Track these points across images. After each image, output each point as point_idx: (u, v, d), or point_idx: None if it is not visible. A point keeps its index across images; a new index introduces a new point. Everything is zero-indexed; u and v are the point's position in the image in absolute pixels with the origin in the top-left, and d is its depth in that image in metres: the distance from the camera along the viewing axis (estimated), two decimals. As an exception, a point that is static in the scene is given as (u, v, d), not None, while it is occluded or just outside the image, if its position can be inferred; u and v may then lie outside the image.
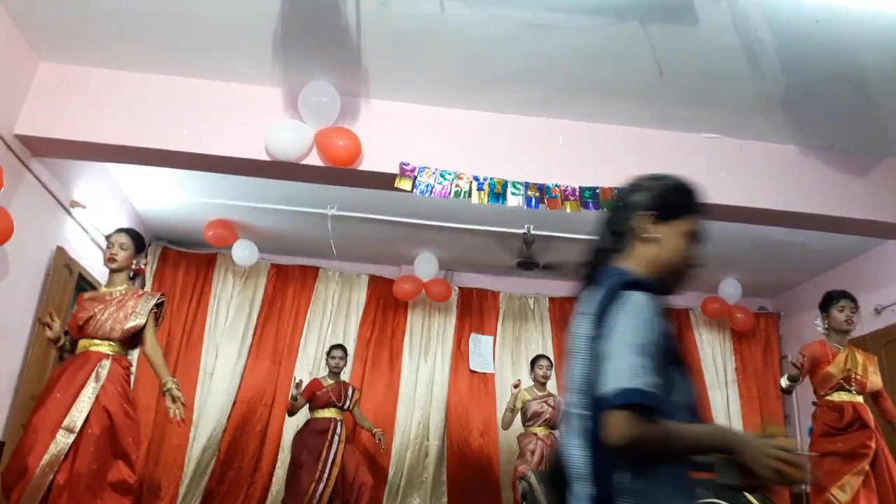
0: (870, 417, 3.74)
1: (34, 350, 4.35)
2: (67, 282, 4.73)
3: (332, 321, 6.52)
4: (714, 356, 6.93)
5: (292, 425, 6.00)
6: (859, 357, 3.92)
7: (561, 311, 6.90)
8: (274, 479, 5.84)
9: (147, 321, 3.59)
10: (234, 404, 6.07)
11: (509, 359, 6.67)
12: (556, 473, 1.47)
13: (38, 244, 4.39)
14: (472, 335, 6.65)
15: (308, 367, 6.23)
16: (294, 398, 5.18)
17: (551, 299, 6.94)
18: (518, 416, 5.40)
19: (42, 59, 3.91)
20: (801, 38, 3.32)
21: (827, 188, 4.34)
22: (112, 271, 3.71)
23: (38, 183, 4.22)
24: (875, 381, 3.88)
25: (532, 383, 5.54)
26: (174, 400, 3.54)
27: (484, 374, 6.52)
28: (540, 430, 5.29)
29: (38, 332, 4.37)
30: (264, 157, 3.85)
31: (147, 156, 3.94)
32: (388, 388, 6.34)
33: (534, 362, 5.64)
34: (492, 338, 6.69)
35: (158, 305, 3.68)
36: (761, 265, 6.35)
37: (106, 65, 3.90)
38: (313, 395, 5.31)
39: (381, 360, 6.45)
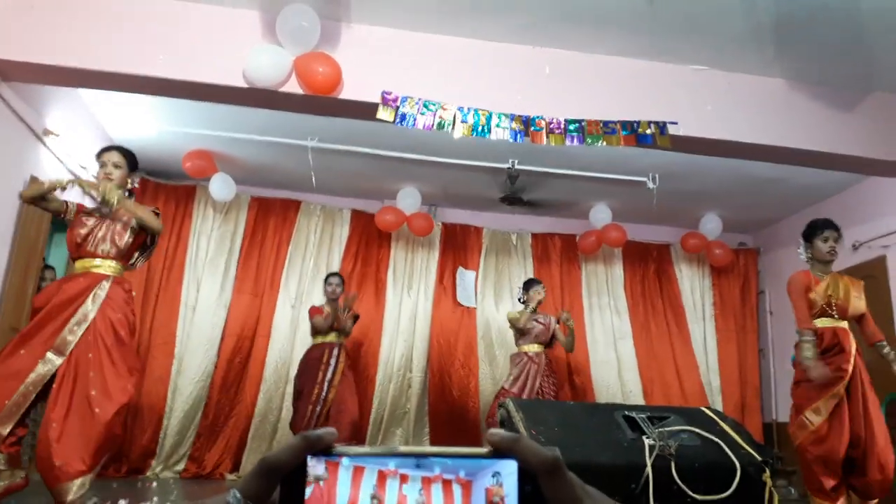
0: (849, 342, 3.76)
1: (11, 281, 4.30)
2: (43, 213, 4.64)
3: (315, 255, 6.50)
4: (693, 290, 7.04)
5: (274, 357, 6.07)
6: (842, 283, 3.92)
7: (543, 248, 6.93)
8: (256, 411, 5.93)
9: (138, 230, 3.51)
10: (222, 338, 6.10)
11: (492, 293, 6.72)
12: None
13: (10, 173, 4.29)
14: (459, 269, 6.66)
15: (290, 300, 6.24)
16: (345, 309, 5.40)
17: (534, 235, 6.95)
18: (513, 335, 5.58)
19: (7, -22, 3.73)
20: (795, -34, 3.24)
21: (813, 123, 4.32)
22: None
23: (9, 110, 4.09)
24: (858, 305, 3.87)
25: (522, 307, 5.63)
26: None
27: (467, 307, 6.59)
28: (530, 348, 5.41)
29: (15, 264, 4.32)
30: (241, 83, 3.74)
31: (120, 81, 3.81)
32: (373, 320, 6.39)
33: (529, 286, 5.66)
34: (474, 272, 6.72)
35: (155, 214, 3.58)
36: (742, 201, 6.38)
37: (74, -16, 3.73)
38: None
39: (365, 293, 6.48)
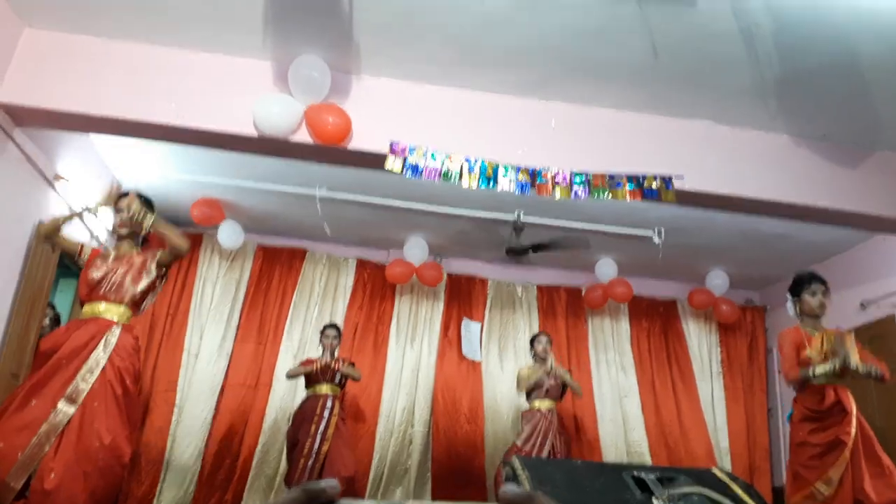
0: (850, 402, 3.68)
1: (13, 328, 4.26)
2: (50, 258, 4.65)
3: (319, 304, 6.47)
4: (700, 347, 6.95)
5: (274, 408, 5.97)
6: (836, 338, 3.83)
7: (549, 300, 6.89)
8: (254, 462, 5.80)
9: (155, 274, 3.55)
10: (223, 387, 6.02)
11: (496, 346, 6.64)
12: None
13: (19, 218, 4.30)
14: (464, 320, 6.59)
15: (293, 350, 6.18)
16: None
17: (539, 287, 6.92)
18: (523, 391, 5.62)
19: (27, 25, 3.82)
20: (799, 24, 3.30)
21: (817, 179, 4.34)
22: (121, 237, 3.61)
23: (22, 154, 4.13)
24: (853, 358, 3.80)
25: (533, 362, 5.70)
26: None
27: (472, 360, 6.50)
28: (543, 405, 5.39)
29: (19, 309, 4.30)
30: (252, 132, 3.78)
31: (132, 128, 3.86)
32: (373, 373, 6.30)
33: (533, 339, 5.79)
34: (480, 324, 6.66)
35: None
36: (749, 257, 6.36)
37: (92, 32, 3.82)
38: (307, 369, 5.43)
39: (366, 345, 6.41)
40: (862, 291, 5.74)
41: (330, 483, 0.44)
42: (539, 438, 5.22)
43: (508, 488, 0.43)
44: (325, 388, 5.28)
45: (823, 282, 3.94)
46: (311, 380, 5.35)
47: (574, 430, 6.35)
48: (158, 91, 3.78)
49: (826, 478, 3.55)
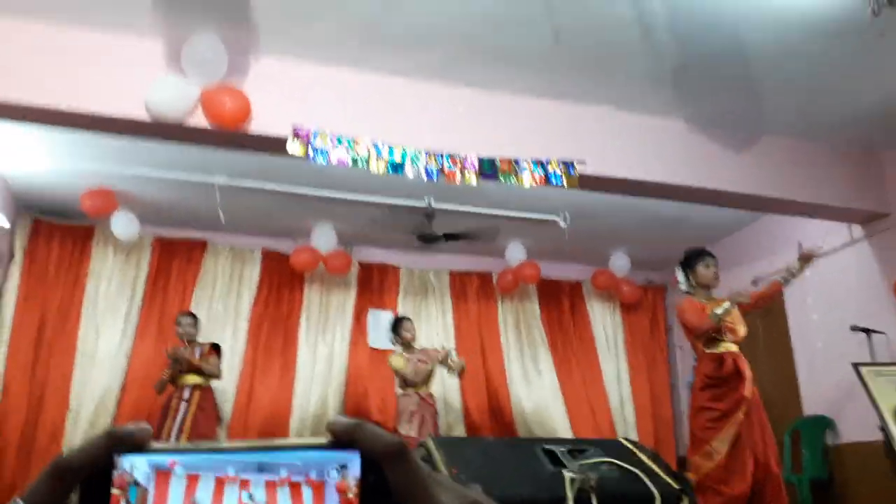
0: (746, 368, 3.89)
1: None
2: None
3: (223, 298, 6.24)
4: (605, 327, 7.18)
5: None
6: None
7: (461, 286, 6.93)
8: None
9: None
10: (123, 387, 5.73)
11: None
12: None
13: None
14: (371, 310, 6.55)
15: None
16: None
17: (452, 274, 6.95)
18: (397, 381, 5.49)
19: None
20: (691, 13, 3.42)
21: (711, 163, 4.55)
22: None
23: None
24: (742, 325, 4.03)
25: (399, 348, 5.57)
26: None
27: (383, 350, 6.45)
28: (422, 391, 5.36)
29: None
30: (144, 116, 3.57)
31: (10, 112, 3.56)
32: (285, 367, 6.18)
33: (399, 325, 5.62)
34: (391, 312, 6.62)
35: None
36: (649, 239, 6.60)
37: (-41, 8, 3.49)
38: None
39: (276, 338, 6.26)
40: (753, 268, 6.07)
41: (140, 426, 0.40)
42: (417, 421, 5.20)
43: (336, 419, 0.41)
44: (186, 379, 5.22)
45: (713, 255, 4.18)
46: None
47: (489, 412, 6.44)
48: (38, 72, 3.49)
49: (721, 437, 3.73)
